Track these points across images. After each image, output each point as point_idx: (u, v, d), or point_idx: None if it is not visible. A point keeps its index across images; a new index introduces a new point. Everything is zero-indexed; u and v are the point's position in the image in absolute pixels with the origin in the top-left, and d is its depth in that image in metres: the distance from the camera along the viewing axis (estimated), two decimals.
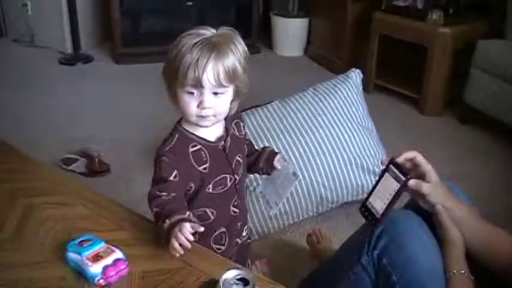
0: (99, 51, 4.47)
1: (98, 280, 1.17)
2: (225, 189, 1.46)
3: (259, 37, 4.70)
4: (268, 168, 1.59)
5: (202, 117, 1.36)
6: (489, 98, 3.22)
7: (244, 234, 1.62)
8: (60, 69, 4.15)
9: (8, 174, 1.63)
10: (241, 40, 1.38)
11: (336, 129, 2.30)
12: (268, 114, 2.33)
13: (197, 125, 1.39)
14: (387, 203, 1.32)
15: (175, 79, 1.32)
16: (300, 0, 4.53)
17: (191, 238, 1.20)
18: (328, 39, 4.32)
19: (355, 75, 2.53)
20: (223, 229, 1.52)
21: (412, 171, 1.40)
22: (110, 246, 1.24)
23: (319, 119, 2.31)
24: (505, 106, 3.10)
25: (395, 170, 1.35)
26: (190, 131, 1.41)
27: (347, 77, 2.52)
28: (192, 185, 1.41)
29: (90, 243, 1.23)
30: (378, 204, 1.34)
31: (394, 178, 1.34)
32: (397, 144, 2.89)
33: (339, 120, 2.33)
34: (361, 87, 2.55)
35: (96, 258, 1.19)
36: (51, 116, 3.32)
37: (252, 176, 2.10)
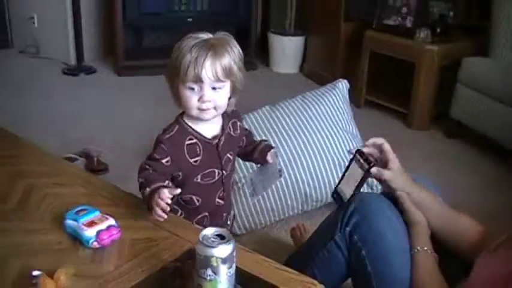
0: (102, 64, 4.64)
1: (92, 243, 1.30)
2: (213, 181, 1.59)
3: (257, 54, 4.88)
4: (261, 160, 1.72)
5: (203, 110, 1.49)
6: (474, 113, 3.36)
7: (228, 223, 1.76)
8: (63, 79, 4.33)
9: (8, 159, 1.76)
10: (236, 43, 1.52)
11: (322, 132, 2.44)
12: (259, 118, 2.47)
13: (198, 118, 1.52)
14: (353, 189, 1.46)
15: (177, 77, 1.47)
16: (296, 19, 4.70)
17: (169, 201, 1.35)
18: (322, 57, 4.49)
19: (342, 85, 2.68)
20: (206, 213, 1.64)
21: (378, 157, 1.54)
22: (104, 214, 1.37)
23: (306, 123, 2.45)
24: (488, 121, 3.24)
25: (360, 159, 1.49)
26: (190, 124, 1.54)
27: (334, 86, 2.67)
28: (180, 173, 1.54)
29: (86, 212, 1.36)
30: (347, 190, 1.50)
31: (359, 166, 1.48)
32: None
33: (325, 124, 2.47)
34: (347, 96, 2.69)
35: (91, 224, 1.32)
36: (54, 121, 3.48)
37: (241, 173, 2.24)
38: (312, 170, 2.37)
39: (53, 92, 4.02)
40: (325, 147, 2.41)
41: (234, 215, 1.97)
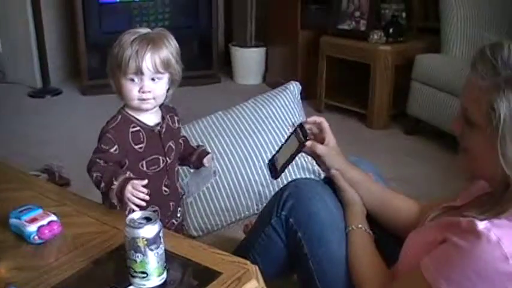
0: (67, 85, 4.72)
1: (33, 237, 1.37)
2: (158, 169, 1.67)
3: (222, 68, 4.97)
4: (198, 163, 1.81)
5: (144, 100, 1.58)
6: (430, 108, 3.47)
7: (178, 215, 1.81)
8: (29, 102, 4.40)
9: None
10: (173, 37, 1.63)
11: (273, 132, 2.51)
12: (211, 122, 2.53)
13: (139, 109, 1.61)
14: (287, 159, 1.53)
15: (119, 70, 1.56)
16: (256, 30, 4.81)
17: (144, 190, 1.48)
18: (283, 66, 4.59)
19: (293, 86, 2.75)
20: (156, 208, 1.70)
21: (318, 135, 1.61)
22: (46, 212, 1.43)
23: (257, 124, 2.52)
24: (444, 114, 3.34)
25: (299, 132, 1.56)
26: (132, 114, 1.63)
27: (285, 87, 2.75)
28: (127, 161, 1.62)
29: (29, 210, 1.43)
30: (281, 160, 1.57)
31: (297, 139, 1.55)
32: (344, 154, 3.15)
33: (276, 125, 2.54)
34: (299, 97, 2.76)
35: (33, 220, 1.38)
36: (18, 141, 3.55)
37: None
38: (265, 170, 2.44)
39: (18, 114, 4.09)
40: (276, 147, 2.48)
41: (184, 213, 2.04)
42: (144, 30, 1.59)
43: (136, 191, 1.47)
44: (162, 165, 1.68)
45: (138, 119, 1.63)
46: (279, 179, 2.40)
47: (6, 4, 4.66)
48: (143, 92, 1.57)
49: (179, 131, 1.79)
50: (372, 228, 1.57)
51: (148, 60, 1.53)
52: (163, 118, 1.69)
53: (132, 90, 1.57)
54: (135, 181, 1.48)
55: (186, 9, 4.75)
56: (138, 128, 1.62)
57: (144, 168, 1.64)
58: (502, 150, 1.11)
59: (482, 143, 1.17)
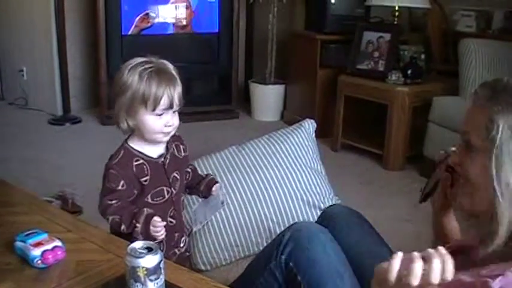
0: (87, 114, 4.80)
1: (37, 261, 1.37)
2: (163, 200, 1.68)
3: (241, 104, 5.01)
4: (206, 192, 1.83)
5: (167, 133, 1.62)
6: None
7: (181, 245, 1.81)
8: (49, 129, 4.48)
9: None
10: None
11: (285, 169, 2.52)
12: (225, 157, 2.55)
13: (155, 142, 1.64)
14: (431, 186, 1.53)
15: (143, 106, 1.57)
16: (276, 68, 4.85)
17: (163, 224, 1.57)
18: (301, 104, 4.62)
19: (308, 124, 2.77)
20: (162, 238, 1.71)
21: None
22: (51, 237, 1.44)
23: (270, 159, 2.53)
24: None
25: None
26: (135, 147, 1.65)
27: (300, 125, 2.76)
28: (135, 191, 1.64)
29: (35, 234, 1.44)
30: (427, 187, 1.54)
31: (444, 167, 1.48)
32: (358, 195, 3.21)
33: (289, 161, 2.55)
34: (313, 135, 2.77)
35: (38, 244, 1.40)
36: (37, 166, 3.59)
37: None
38: (276, 206, 2.43)
39: (38, 140, 4.15)
40: (288, 183, 2.48)
41: (189, 244, 2.04)
42: (148, 59, 1.60)
43: (158, 227, 1.54)
44: (167, 196, 1.69)
45: (141, 152, 1.65)
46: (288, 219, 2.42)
47: (33, 33, 4.77)
48: (168, 126, 1.60)
49: (186, 159, 1.80)
50: None
51: (176, 96, 1.57)
52: (167, 149, 1.70)
53: (158, 124, 1.59)
54: (155, 218, 1.54)
55: (207, 45, 4.80)
56: (141, 161, 1.64)
57: (149, 200, 1.65)
58: (496, 166, 1.09)
59: (480, 167, 1.14)
